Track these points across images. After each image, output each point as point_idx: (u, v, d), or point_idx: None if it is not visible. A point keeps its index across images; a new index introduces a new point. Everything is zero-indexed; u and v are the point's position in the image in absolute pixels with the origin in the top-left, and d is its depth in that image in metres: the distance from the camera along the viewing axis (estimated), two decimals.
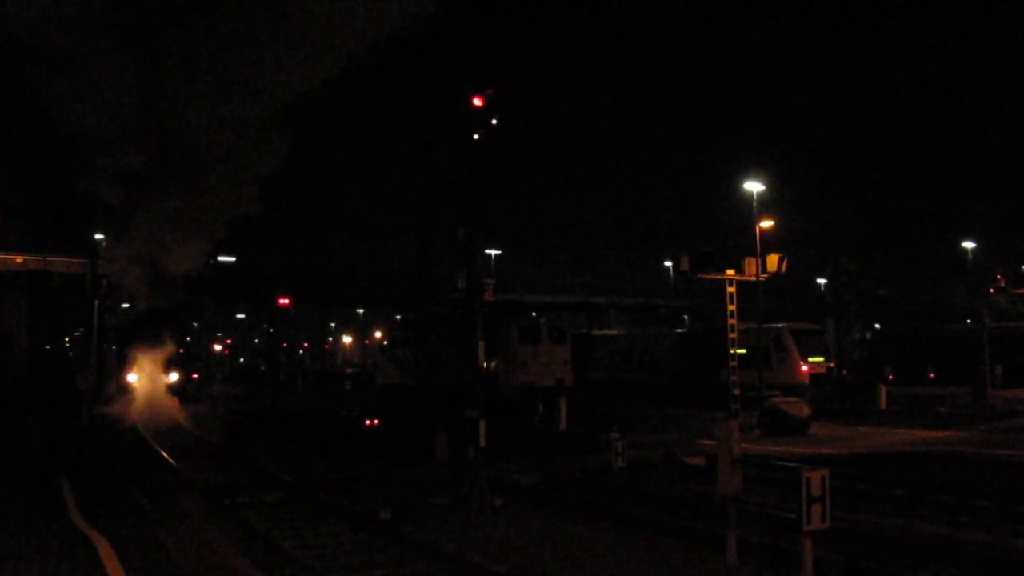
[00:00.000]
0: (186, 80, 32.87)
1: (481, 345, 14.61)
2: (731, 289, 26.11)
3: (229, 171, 37.19)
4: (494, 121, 13.99)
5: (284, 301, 52.99)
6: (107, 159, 36.04)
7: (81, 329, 56.81)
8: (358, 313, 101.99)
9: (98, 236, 40.59)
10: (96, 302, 36.14)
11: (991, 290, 35.88)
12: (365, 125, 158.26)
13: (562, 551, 11.14)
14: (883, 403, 32.04)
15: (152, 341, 40.25)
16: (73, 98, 32.59)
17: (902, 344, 50.40)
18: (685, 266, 25.20)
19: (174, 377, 40.75)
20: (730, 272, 25.73)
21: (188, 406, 40.89)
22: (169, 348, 41.22)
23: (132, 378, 40.77)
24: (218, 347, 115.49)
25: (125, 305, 44.64)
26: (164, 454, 22.20)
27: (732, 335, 26.29)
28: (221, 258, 52.52)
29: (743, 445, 9.50)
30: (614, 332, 58.96)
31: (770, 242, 27.73)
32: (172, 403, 39.04)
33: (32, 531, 11.26)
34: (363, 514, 13.40)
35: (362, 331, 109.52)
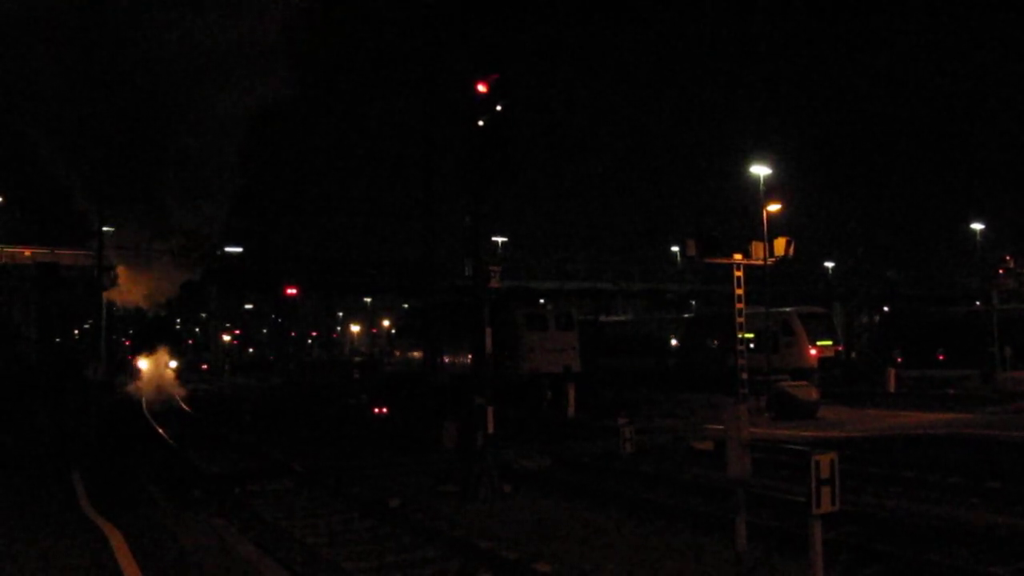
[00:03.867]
0: None
1: (488, 332, 14.60)
2: (738, 273, 26.03)
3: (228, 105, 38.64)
4: (498, 107, 13.93)
5: (291, 291, 53.27)
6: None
7: (90, 321, 57.89)
8: (366, 302, 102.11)
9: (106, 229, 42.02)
10: (103, 293, 36.51)
11: (1000, 271, 35.80)
12: (370, 111, 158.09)
13: (571, 536, 11.16)
14: (892, 386, 31.99)
15: (158, 336, 50.43)
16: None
17: (911, 327, 50.20)
18: (692, 251, 25.12)
19: (173, 365, 50.36)
20: (737, 256, 25.65)
21: (194, 395, 44.31)
22: (171, 343, 51.64)
23: (142, 365, 50.16)
24: (227, 337, 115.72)
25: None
26: (173, 443, 22.32)
27: (740, 320, 26.24)
28: (228, 248, 52.95)
29: (751, 429, 9.48)
30: (622, 318, 58.92)
31: (777, 226, 27.67)
32: (175, 390, 44.96)
33: (44, 521, 11.33)
34: (372, 502, 13.44)
35: (370, 320, 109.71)
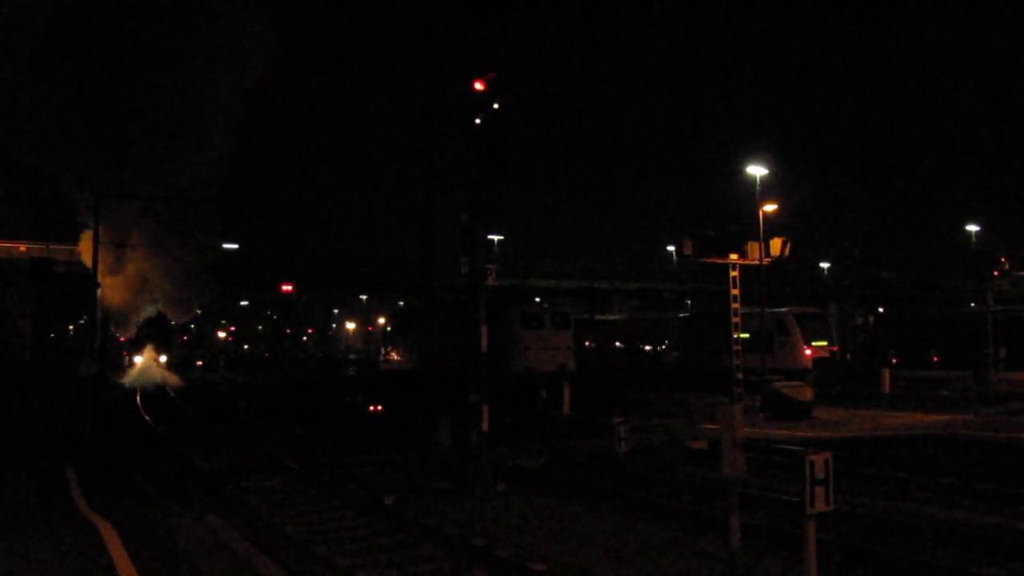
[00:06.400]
0: None
1: (484, 330, 14.59)
2: (734, 273, 26.07)
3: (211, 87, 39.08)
4: (495, 105, 13.91)
5: (287, 288, 53.32)
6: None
7: (85, 317, 58.11)
8: (362, 300, 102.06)
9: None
10: (97, 289, 36.43)
11: (994, 273, 35.87)
12: (366, 110, 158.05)
13: (565, 535, 11.18)
14: (886, 386, 32.00)
15: (151, 334, 55.83)
16: None
17: (905, 328, 50.28)
18: (688, 250, 25.14)
19: (163, 359, 56.31)
20: (733, 256, 25.67)
21: (189, 392, 44.80)
22: (165, 339, 56.90)
23: (138, 359, 55.59)
24: (222, 334, 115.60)
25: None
26: (168, 439, 22.29)
27: (735, 319, 26.26)
28: (224, 245, 53.04)
29: (746, 429, 9.50)
30: (617, 317, 58.94)
31: (773, 226, 27.69)
32: (169, 386, 47.45)
33: (37, 517, 11.32)
34: (367, 499, 13.44)
35: (366, 317, 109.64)
